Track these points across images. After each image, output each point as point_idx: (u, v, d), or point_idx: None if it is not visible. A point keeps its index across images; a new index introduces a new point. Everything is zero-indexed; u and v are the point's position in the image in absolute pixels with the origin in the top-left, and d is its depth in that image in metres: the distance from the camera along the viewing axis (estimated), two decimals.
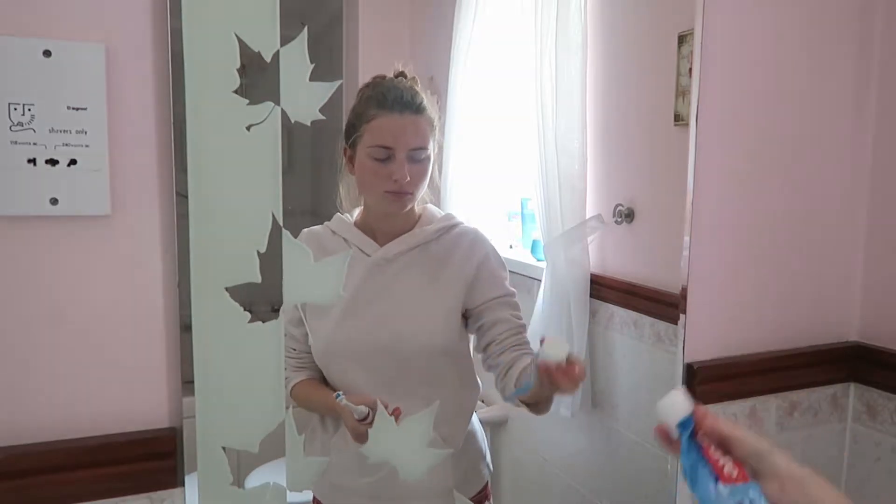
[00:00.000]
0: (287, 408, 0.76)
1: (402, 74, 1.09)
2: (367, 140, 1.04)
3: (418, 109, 1.05)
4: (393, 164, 1.02)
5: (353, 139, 1.06)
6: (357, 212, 1.14)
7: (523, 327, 1.11)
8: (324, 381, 1.11)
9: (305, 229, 1.12)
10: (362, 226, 1.12)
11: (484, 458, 1.18)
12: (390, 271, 1.08)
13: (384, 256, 1.08)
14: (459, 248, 1.11)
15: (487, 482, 1.19)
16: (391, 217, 1.09)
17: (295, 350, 1.11)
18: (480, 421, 1.21)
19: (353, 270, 1.07)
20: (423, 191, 1.09)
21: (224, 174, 0.72)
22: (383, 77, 1.09)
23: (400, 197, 1.05)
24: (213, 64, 0.69)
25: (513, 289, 1.13)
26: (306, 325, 1.09)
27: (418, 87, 1.07)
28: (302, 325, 1.09)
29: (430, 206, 1.16)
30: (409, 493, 1.01)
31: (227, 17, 0.68)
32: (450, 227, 1.12)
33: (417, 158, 1.04)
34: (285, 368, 1.09)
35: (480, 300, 1.09)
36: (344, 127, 1.09)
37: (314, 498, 1.15)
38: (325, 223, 1.14)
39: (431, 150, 1.08)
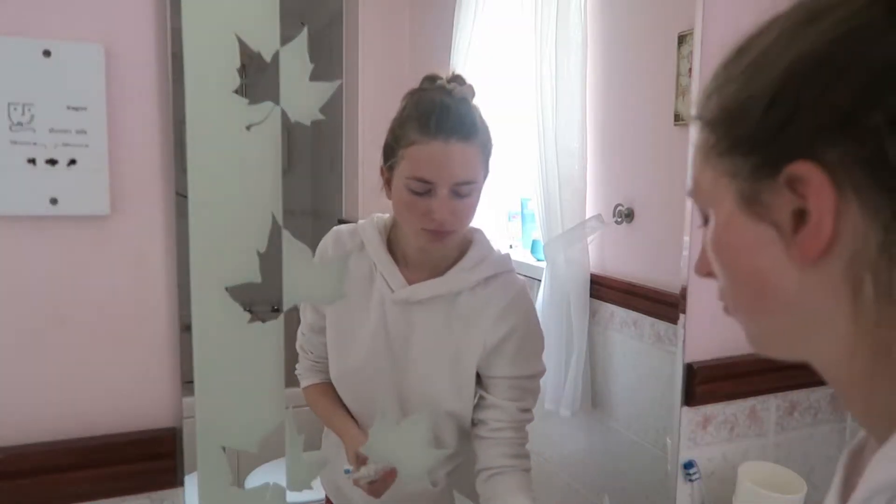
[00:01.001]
0: (287, 408, 0.76)
1: (456, 79, 0.93)
2: (404, 169, 0.89)
3: (467, 135, 0.88)
4: (433, 200, 0.88)
5: (390, 163, 0.93)
6: (392, 221, 1.02)
7: (523, 422, 0.99)
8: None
9: (337, 228, 1.02)
10: (394, 248, 0.99)
11: None
12: (409, 316, 0.97)
13: (408, 299, 0.96)
14: (492, 309, 0.97)
15: None
16: (426, 251, 0.97)
17: (312, 353, 1.07)
18: None
19: (373, 303, 0.98)
20: (467, 227, 0.96)
21: (224, 174, 0.72)
22: (433, 81, 0.94)
23: (439, 236, 0.92)
24: (213, 64, 0.69)
25: (539, 367, 1.01)
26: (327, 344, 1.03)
27: (472, 99, 0.93)
28: (323, 334, 1.03)
29: (481, 241, 1.00)
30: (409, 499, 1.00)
31: (227, 17, 0.68)
32: (491, 278, 0.98)
33: (463, 193, 0.90)
34: (298, 362, 1.08)
35: (492, 373, 0.98)
36: (383, 144, 0.96)
37: (326, 497, 1.15)
38: (361, 224, 1.01)
39: (481, 180, 0.93)
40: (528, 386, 1.00)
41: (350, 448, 0.97)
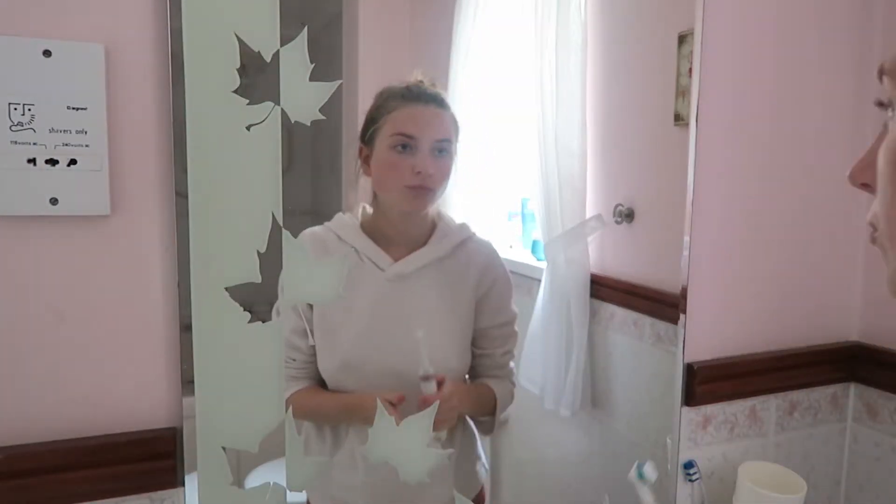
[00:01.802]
0: (287, 408, 0.76)
1: (420, 83, 1.05)
2: (387, 130, 0.99)
3: (441, 104, 1.02)
4: (415, 156, 0.99)
5: (370, 132, 1.01)
6: (360, 213, 1.08)
7: (507, 363, 1.13)
8: (324, 387, 1.07)
9: (307, 230, 1.07)
10: (371, 232, 1.06)
11: (480, 458, 1.17)
12: (404, 289, 1.05)
13: (399, 274, 1.04)
14: (474, 267, 1.09)
15: (483, 486, 1.18)
16: (406, 220, 1.05)
17: (295, 360, 1.06)
18: None
19: (366, 286, 1.03)
20: (445, 190, 1.05)
21: (224, 174, 0.72)
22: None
23: (421, 193, 1.01)
24: (213, 64, 0.69)
25: (515, 309, 1.14)
26: (311, 338, 1.04)
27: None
28: (307, 336, 1.04)
29: (445, 214, 1.12)
30: (408, 499, 1.00)
31: (227, 17, 0.68)
32: (464, 241, 1.09)
33: (441, 152, 1.01)
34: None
35: (481, 324, 1.09)
36: (362, 126, 1.04)
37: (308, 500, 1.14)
38: (326, 224, 1.08)
39: (455, 146, 1.04)
40: (508, 332, 1.14)
41: (376, 402, 0.91)
